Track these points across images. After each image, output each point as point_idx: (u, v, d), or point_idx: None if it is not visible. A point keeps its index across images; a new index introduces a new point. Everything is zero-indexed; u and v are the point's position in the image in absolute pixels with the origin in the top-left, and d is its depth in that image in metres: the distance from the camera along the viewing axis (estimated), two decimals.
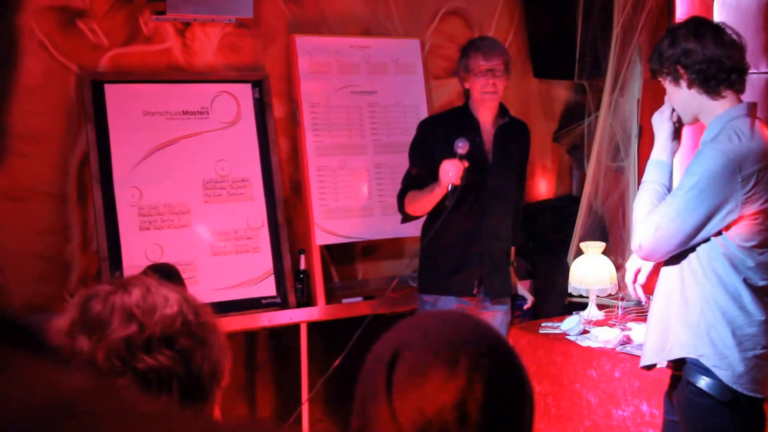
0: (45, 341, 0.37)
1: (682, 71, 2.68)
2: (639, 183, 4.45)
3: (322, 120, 4.16)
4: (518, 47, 4.88)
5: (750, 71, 2.82)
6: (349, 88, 4.23)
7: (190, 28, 4.01)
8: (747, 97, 2.84)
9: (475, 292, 3.68)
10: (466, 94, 3.75)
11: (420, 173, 3.63)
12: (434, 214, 3.61)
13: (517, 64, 4.90)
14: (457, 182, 3.45)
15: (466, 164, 3.46)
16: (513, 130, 3.75)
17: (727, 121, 2.65)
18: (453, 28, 4.62)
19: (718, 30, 2.70)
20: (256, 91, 4.08)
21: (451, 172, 3.44)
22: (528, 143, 3.84)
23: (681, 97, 2.72)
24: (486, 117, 3.70)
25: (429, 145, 3.65)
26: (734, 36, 2.70)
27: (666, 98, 2.81)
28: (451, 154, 3.48)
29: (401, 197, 3.69)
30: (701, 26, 2.72)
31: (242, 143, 4.02)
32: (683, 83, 2.69)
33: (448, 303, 3.66)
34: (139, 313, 1.33)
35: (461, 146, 3.47)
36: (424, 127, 3.76)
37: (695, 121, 2.76)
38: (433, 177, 3.52)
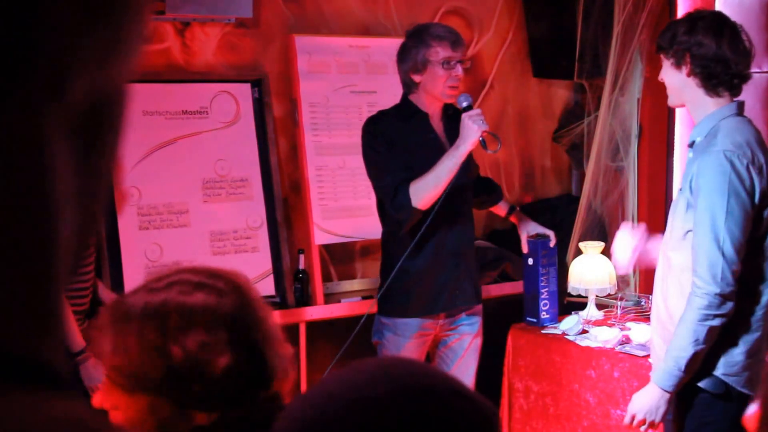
0: (48, 367, 0.37)
1: (688, 59, 2.69)
2: (638, 183, 4.48)
3: (322, 120, 4.16)
4: (518, 46, 4.87)
5: (752, 70, 2.83)
6: (349, 88, 4.23)
7: (189, 28, 4.01)
8: (749, 96, 2.87)
9: (457, 303, 3.42)
10: (409, 87, 3.37)
11: (403, 165, 3.27)
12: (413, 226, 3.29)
13: (517, 63, 4.90)
14: (489, 128, 3.18)
15: (480, 111, 3.22)
16: (456, 118, 3.41)
17: (719, 119, 2.68)
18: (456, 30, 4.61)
19: (736, 34, 2.71)
20: (256, 91, 4.08)
21: (481, 119, 3.16)
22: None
23: (677, 81, 2.73)
24: (434, 111, 3.39)
25: (389, 143, 3.30)
26: (747, 44, 2.72)
27: None
28: (409, 156, 3.26)
29: (403, 194, 3.21)
30: (723, 25, 2.72)
31: (241, 143, 4.02)
32: (684, 70, 2.70)
33: (410, 326, 3.38)
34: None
35: (464, 99, 3.25)
36: (375, 127, 3.36)
37: (680, 105, 2.82)
38: (409, 165, 3.23)
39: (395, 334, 3.39)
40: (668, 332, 2.69)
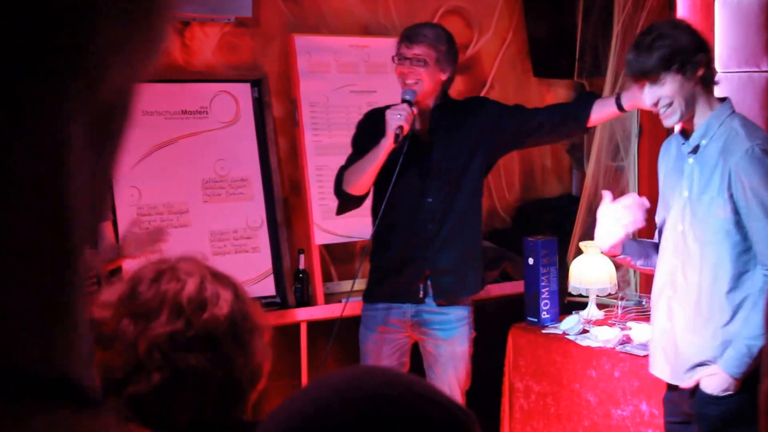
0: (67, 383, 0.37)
1: (701, 65, 2.67)
2: (638, 183, 4.47)
3: (322, 119, 4.16)
4: (518, 46, 4.87)
5: (751, 70, 2.84)
6: (348, 88, 4.23)
7: (189, 28, 4.01)
8: (749, 95, 2.87)
9: (421, 296, 3.39)
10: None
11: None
12: (379, 196, 3.36)
13: (517, 63, 4.90)
14: (407, 126, 3.19)
15: (416, 111, 3.24)
16: (461, 108, 3.46)
17: (722, 118, 2.69)
18: (452, 27, 4.59)
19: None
20: (255, 91, 4.07)
21: (399, 114, 3.19)
22: (489, 115, 3.44)
23: (688, 92, 2.69)
24: (426, 105, 3.38)
25: (365, 137, 3.36)
26: None
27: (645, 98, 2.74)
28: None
29: (338, 178, 3.36)
30: (686, 22, 2.78)
31: (241, 143, 4.01)
32: (696, 75, 2.67)
33: (376, 319, 3.41)
34: (188, 309, 1.29)
35: (409, 93, 3.27)
36: (361, 121, 3.49)
37: (686, 119, 2.74)
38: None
39: (365, 326, 3.48)
40: (707, 330, 2.70)
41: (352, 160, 3.38)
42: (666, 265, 2.83)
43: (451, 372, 3.45)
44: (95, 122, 0.38)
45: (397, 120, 3.18)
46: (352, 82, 4.24)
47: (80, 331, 0.37)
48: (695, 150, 2.72)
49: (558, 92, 5.03)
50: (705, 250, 2.69)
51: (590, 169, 4.55)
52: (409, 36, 3.36)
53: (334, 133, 4.17)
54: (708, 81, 2.70)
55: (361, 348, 3.51)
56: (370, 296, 3.49)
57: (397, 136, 3.19)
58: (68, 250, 0.37)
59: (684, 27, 2.73)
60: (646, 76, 2.68)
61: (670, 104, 2.68)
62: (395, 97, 3.55)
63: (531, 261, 3.85)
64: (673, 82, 2.67)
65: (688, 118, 2.72)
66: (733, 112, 2.72)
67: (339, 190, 3.38)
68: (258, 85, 4.07)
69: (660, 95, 2.68)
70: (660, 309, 2.87)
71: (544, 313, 3.87)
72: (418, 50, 3.32)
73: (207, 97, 3.97)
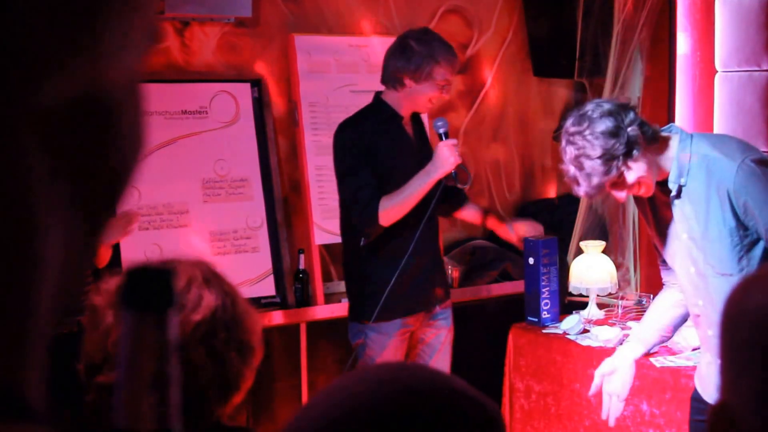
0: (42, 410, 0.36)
1: (639, 140, 2.39)
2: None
3: (321, 119, 4.16)
4: (518, 45, 4.87)
5: (752, 69, 2.78)
6: (348, 88, 4.23)
7: (188, 28, 4.01)
8: (749, 95, 2.80)
9: (438, 299, 3.45)
10: (393, 84, 3.34)
11: (374, 178, 3.27)
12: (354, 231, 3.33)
13: (517, 62, 4.89)
14: (460, 160, 3.21)
15: (456, 141, 3.25)
16: (418, 118, 3.52)
17: (686, 149, 2.50)
18: (452, 27, 4.61)
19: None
20: (255, 91, 4.07)
21: (451, 154, 3.17)
22: (424, 127, 3.55)
23: (646, 166, 2.44)
24: (407, 113, 3.39)
25: (365, 152, 3.29)
26: None
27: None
28: (392, 158, 3.28)
29: (372, 211, 3.22)
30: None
31: (241, 143, 4.01)
32: (638, 152, 2.40)
33: (395, 324, 3.37)
34: None
35: (443, 125, 3.28)
36: (349, 135, 3.33)
37: (656, 183, 2.53)
38: (381, 179, 3.25)
39: (379, 333, 3.36)
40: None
41: (368, 192, 3.25)
42: (694, 308, 2.69)
43: (447, 358, 3.54)
44: (63, 126, 0.37)
45: (457, 160, 3.18)
46: (352, 82, 4.24)
47: (32, 338, 0.37)
48: (678, 194, 2.55)
49: (558, 91, 5.03)
50: (728, 282, 2.59)
51: None
52: (454, 65, 3.35)
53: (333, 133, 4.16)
54: (647, 136, 2.45)
55: (372, 354, 3.40)
56: (386, 314, 3.35)
57: (455, 173, 3.21)
58: (26, 256, 0.36)
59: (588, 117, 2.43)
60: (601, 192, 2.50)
61: (642, 184, 2.48)
62: None
63: (531, 261, 3.85)
64: (636, 168, 2.42)
65: (664, 170, 2.53)
66: (688, 134, 2.54)
67: (373, 223, 3.25)
68: (258, 85, 4.07)
69: (628, 193, 2.52)
70: (702, 342, 2.79)
71: (545, 312, 3.86)
72: (451, 76, 3.36)
73: (207, 97, 3.97)
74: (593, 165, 2.40)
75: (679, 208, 2.57)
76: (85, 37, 0.36)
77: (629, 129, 2.40)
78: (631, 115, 2.44)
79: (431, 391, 0.92)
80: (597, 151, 2.39)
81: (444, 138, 3.24)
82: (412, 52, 3.29)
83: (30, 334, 0.36)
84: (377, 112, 3.37)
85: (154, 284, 0.41)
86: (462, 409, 0.92)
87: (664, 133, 2.52)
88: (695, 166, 2.49)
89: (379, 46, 4.29)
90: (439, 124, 3.29)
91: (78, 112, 0.37)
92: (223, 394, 1.30)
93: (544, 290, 3.85)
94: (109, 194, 0.40)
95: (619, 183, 2.45)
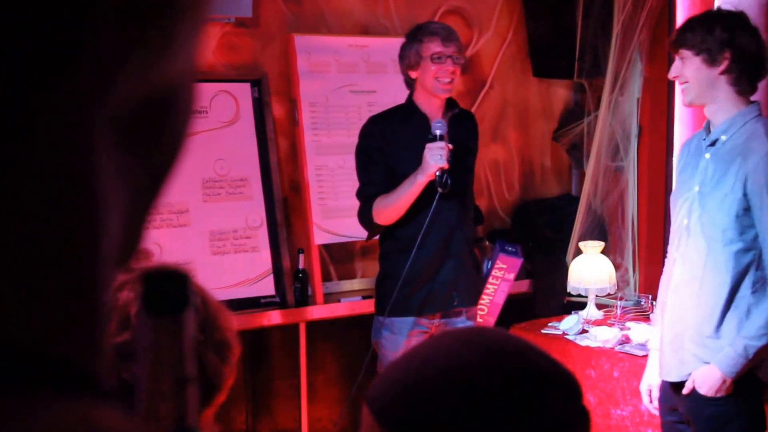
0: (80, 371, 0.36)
1: (727, 56, 2.67)
2: (638, 182, 4.48)
3: (321, 119, 4.16)
4: (518, 46, 4.87)
5: None
6: (348, 88, 4.23)
7: None
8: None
9: (455, 303, 3.41)
10: (410, 85, 3.43)
11: (383, 179, 3.32)
12: (398, 222, 3.34)
13: (517, 63, 4.90)
14: (446, 165, 3.18)
15: (451, 146, 3.21)
16: (462, 121, 3.49)
17: (746, 119, 2.68)
18: (452, 27, 4.61)
19: (757, 31, 2.74)
20: (255, 91, 4.07)
21: (439, 154, 3.16)
22: (476, 133, 3.59)
23: (706, 78, 2.70)
24: (434, 111, 3.38)
25: (380, 149, 3.34)
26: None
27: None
28: (408, 156, 3.27)
29: (367, 210, 3.32)
30: (749, 22, 2.74)
31: (241, 142, 4.01)
32: (719, 67, 2.68)
33: (407, 324, 3.38)
34: (135, 323, 1.24)
35: (440, 126, 3.24)
36: (370, 130, 3.40)
37: (699, 105, 2.78)
38: (394, 182, 3.27)
39: (392, 332, 3.39)
40: (705, 326, 2.70)
41: (370, 190, 3.32)
42: (669, 262, 2.83)
43: None
44: (130, 123, 0.38)
45: (438, 161, 3.16)
46: (352, 82, 4.24)
47: (101, 321, 0.37)
48: (713, 144, 2.73)
49: (558, 92, 5.03)
50: (709, 246, 2.69)
51: (590, 169, 4.55)
52: (444, 36, 3.34)
53: (333, 133, 4.17)
54: (738, 79, 2.68)
55: (385, 352, 3.40)
56: (398, 311, 3.38)
57: (439, 177, 3.19)
58: (90, 245, 0.36)
59: (731, 18, 2.72)
60: (671, 46, 2.79)
61: (686, 82, 2.74)
62: (395, 97, 3.55)
63: (488, 265, 4.00)
64: (691, 64, 2.71)
65: (714, 110, 2.73)
66: (760, 114, 2.71)
67: (368, 221, 3.34)
68: (258, 84, 4.07)
69: (679, 71, 2.76)
70: (658, 303, 2.88)
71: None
72: (454, 48, 3.34)
73: (207, 97, 3.97)
74: (700, 29, 2.72)
75: (705, 162, 2.74)
76: (155, 35, 0.36)
77: (726, 51, 2.67)
78: (736, 55, 2.68)
79: (510, 349, 1.01)
80: (709, 29, 2.70)
81: (438, 140, 3.21)
82: (404, 47, 3.42)
83: (96, 294, 0.36)
84: (402, 109, 3.45)
85: (171, 286, 0.42)
86: (540, 366, 1.00)
87: (749, 92, 2.73)
88: (740, 133, 2.68)
89: (379, 46, 4.29)
90: (435, 125, 3.27)
91: (147, 110, 0.38)
92: (206, 396, 1.30)
93: (485, 297, 3.99)
94: (156, 190, 0.41)
95: (680, 66, 2.75)
